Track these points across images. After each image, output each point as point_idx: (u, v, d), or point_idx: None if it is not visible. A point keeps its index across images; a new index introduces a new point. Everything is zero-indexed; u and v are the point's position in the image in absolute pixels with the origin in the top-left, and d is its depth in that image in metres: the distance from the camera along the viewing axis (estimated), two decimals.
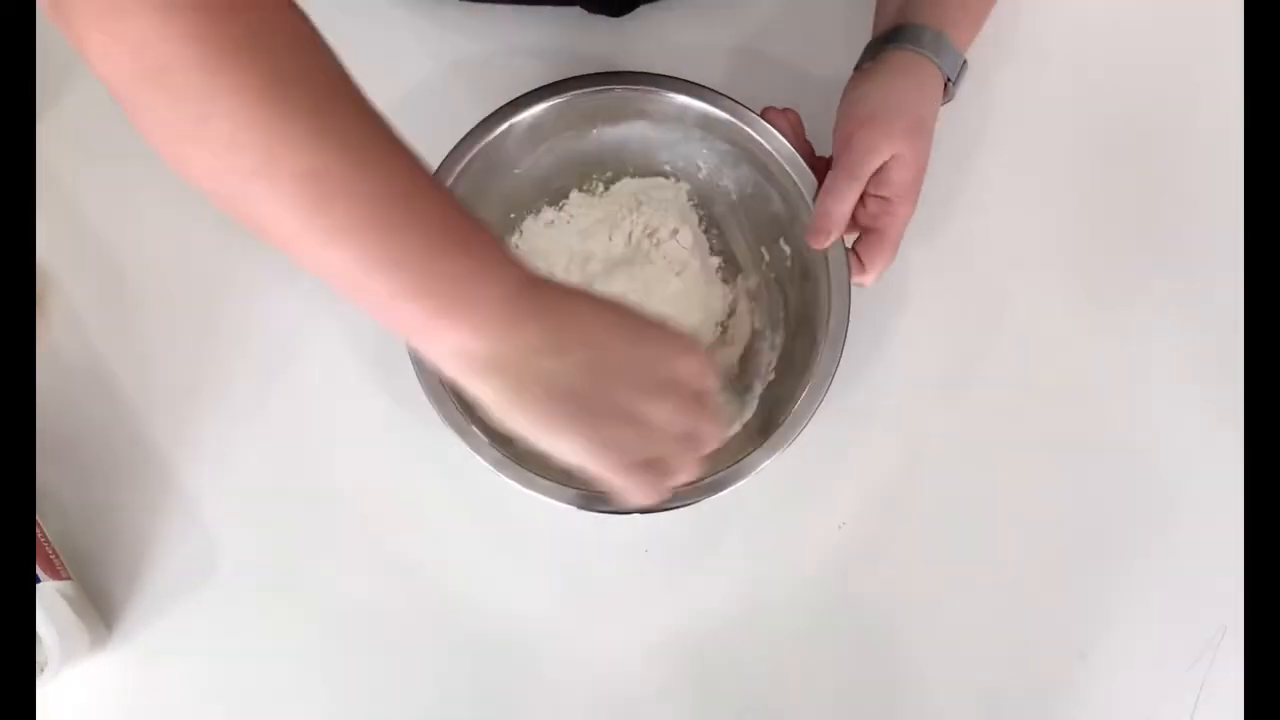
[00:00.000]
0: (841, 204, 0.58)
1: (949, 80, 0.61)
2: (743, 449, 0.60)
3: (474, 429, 0.58)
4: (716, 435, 0.51)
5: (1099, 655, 0.65)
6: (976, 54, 0.72)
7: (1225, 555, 0.65)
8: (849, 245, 0.61)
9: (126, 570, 0.63)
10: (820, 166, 0.61)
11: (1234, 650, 0.65)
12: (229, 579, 0.63)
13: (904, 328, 0.68)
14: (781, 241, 0.65)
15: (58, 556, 0.61)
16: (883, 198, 0.59)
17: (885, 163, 0.58)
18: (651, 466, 0.47)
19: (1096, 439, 0.67)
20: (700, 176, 0.67)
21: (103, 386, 0.64)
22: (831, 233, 0.59)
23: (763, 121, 0.61)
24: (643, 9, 0.69)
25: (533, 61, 0.68)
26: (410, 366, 0.58)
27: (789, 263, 0.65)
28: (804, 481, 0.66)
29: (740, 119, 0.62)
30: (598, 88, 0.62)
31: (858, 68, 0.63)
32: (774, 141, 0.61)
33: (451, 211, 0.44)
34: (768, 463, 0.58)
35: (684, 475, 0.49)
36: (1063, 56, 0.72)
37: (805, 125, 0.63)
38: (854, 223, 0.60)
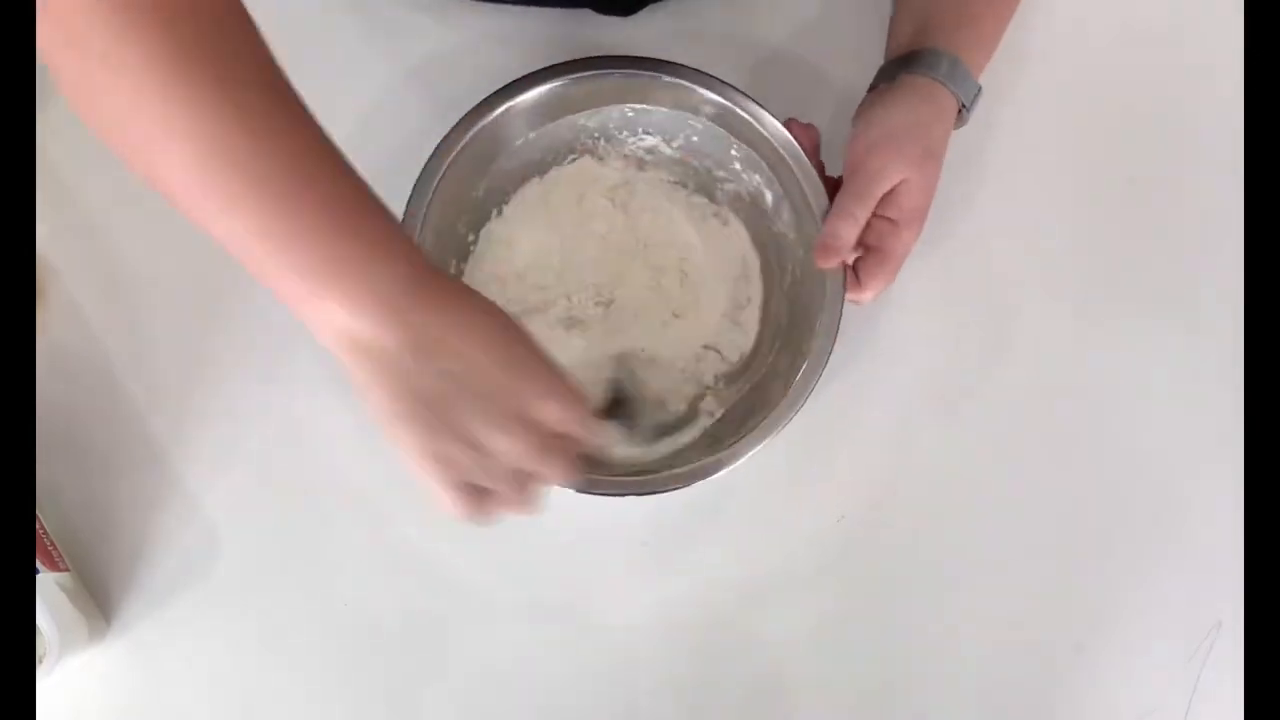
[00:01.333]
0: (851, 226, 0.58)
1: (963, 106, 0.61)
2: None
3: None
4: (563, 477, 0.48)
5: (1096, 648, 0.65)
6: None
7: (1222, 550, 0.66)
8: (850, 263, 0.61)
9: (125, 563, 0.63)
10: (830, 186, 0.61)
11: (1230, 644, 0.65)
12: (227, 572, 0.63)
13: (903, 325, 0.68)
14: (778, 238, 0.66)
15: (56, 549, 0.61)
16: (889, 219, 0.59)
17: (895, 186, 0.58)
18: (480, 492, 0.46)
19: (1094, 433, 0.68)
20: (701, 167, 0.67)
21: (103, 380, 0.65)
22: (840, 252, 0.58)
23: (769, 116, 0.62)
24: (649, 8, 0.69)
25: (539, 59, 0.68)
26: None
27: (786, 262, 0.66)
28: (804, 475, 0.66)
29: (743, 109, 0.62)
30: (595, 71, 0.62)
31: (872, 88, 0.63)
32: (778, 135, 0.61)
33: (353, 193, 0.45)
34: (758, 449, 0.58)
35: (513, 509, 0.48)
36: (1064, 60, 0.72)
37: (820, 136, 0.63)
38: (858, 241, 0.59)
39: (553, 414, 0.46)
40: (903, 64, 0.61)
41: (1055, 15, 0.72)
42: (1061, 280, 0.69)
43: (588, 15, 0.69)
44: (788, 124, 0.62)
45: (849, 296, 0.60)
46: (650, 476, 0.59)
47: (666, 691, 0.64)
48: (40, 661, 0.55)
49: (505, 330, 0.46)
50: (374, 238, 0.45)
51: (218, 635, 0.63)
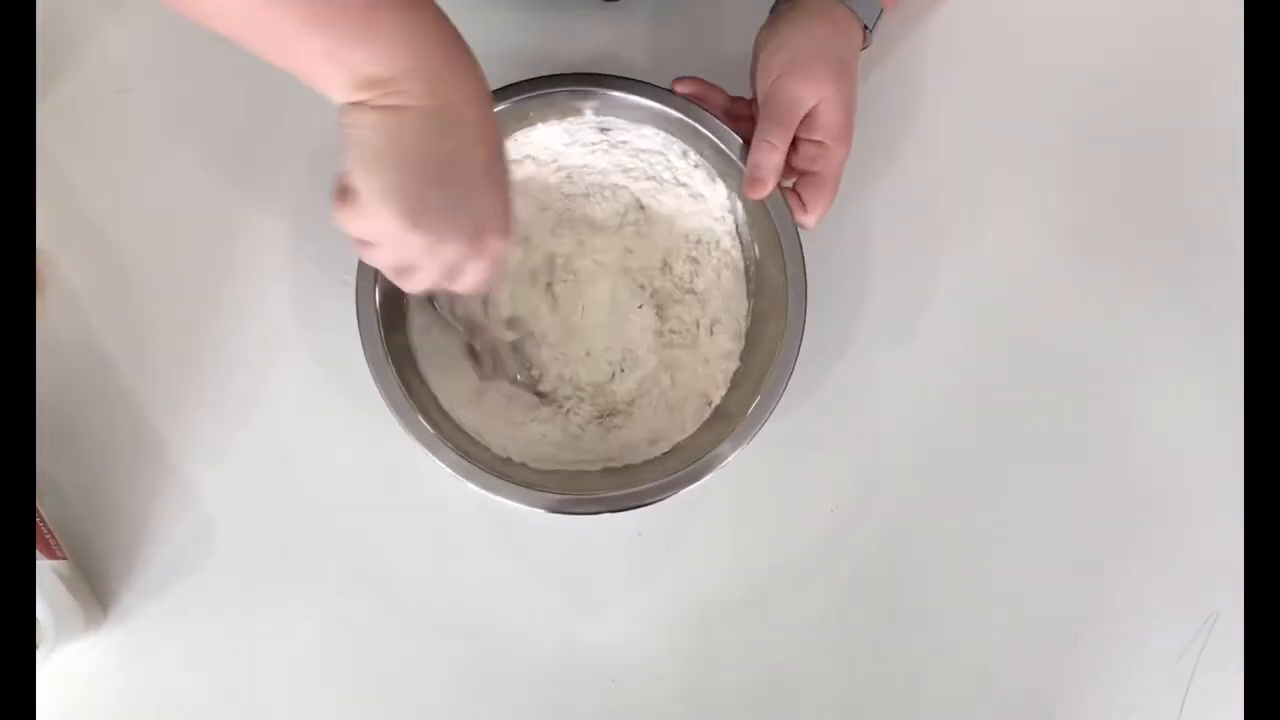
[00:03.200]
0: (772, 154, 0.60)
1: (866, 26, 0.62)
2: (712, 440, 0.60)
3: (435, 434, 0.58)
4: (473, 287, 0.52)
5: (1092, 640, 0.65)
6: (967, 29, 0.71)
7: (1218, 542, 0.66)
8: (789, 185, 0.62)
9: (123, 552, 0.63)
10: (742, 110, 0.63)
11: (1226, 636, 0.65)
12: (224, 561, 0.64)
13: (892, 316, 0.68)
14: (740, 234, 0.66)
15: (54, 537, 0.61)
16: (817, 141, 0.60)
17: (813, 107, 0.59)
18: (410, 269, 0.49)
19: (1092, 423, 0.68)
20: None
21: (101, 370, 0.65)
22: (767, 182, 0.60)
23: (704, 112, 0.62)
24: None
25: (529, 46, 0.69)
26: None
27: (748, 252, 0.66)
28: (794, 467, 0.66)
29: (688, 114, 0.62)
30: (539, 91, 0.62)
31: (773, 10, 0.64)
32: (722, 134, 0.62)
33: None
34: (735, 454, 0.59)
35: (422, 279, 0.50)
36: (1061, 46, 0.72)
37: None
38: (792, 169, 0.61)
39: (495, 246, 0.49)
40: None
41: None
42: (1058, 273, 0.69)
43: (581, 10, 0.69)
44: (675, 84, 0.63)
45: (797, 220, 0.61)
46: (627, 492, 0.59)
47: (664, 684, 0.64)
48: (36, 648, 0.55)
49: (498, 139, 0.48)
50: (411, 11, 0.44)
51: (214, 623, 0.63)
